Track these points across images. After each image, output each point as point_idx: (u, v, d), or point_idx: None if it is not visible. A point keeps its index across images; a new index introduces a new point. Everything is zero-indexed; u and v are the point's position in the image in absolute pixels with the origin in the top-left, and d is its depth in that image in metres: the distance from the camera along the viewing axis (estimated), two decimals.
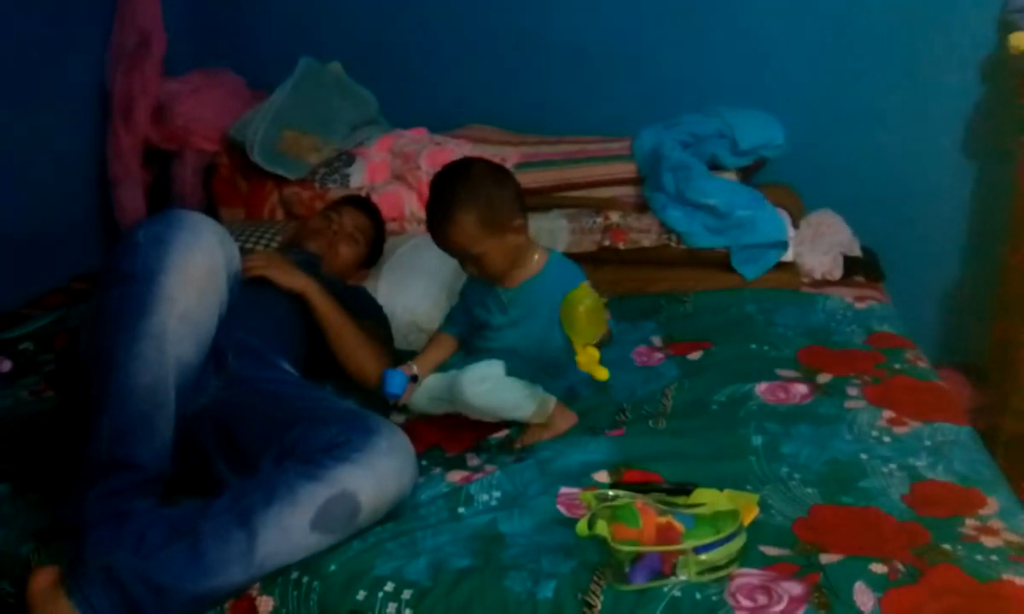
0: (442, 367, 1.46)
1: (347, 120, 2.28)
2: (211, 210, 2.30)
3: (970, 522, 1.07)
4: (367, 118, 2.35)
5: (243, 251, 1.49)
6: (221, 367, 1.26)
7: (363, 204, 1.93)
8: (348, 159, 2.23)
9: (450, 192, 1.33)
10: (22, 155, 2.09)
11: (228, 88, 2.39)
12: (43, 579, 1.03)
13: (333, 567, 1.07)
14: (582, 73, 2.30)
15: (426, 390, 1.44)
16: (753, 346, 1.62)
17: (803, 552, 1.04)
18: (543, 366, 1.41)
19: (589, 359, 1.26)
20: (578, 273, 1.43)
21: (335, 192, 2.15)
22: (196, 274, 1.14)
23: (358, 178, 2.19)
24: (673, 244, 1.95)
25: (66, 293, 2.11)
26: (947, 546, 1.03)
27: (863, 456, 1.24)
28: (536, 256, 1.43)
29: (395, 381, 1.38)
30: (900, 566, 0.99)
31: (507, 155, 2.14)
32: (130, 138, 2.26)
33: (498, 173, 1.38)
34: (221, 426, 1.21)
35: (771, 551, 1.04)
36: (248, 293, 1.35)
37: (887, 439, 1.28)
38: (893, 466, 1.21)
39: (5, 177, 2.03)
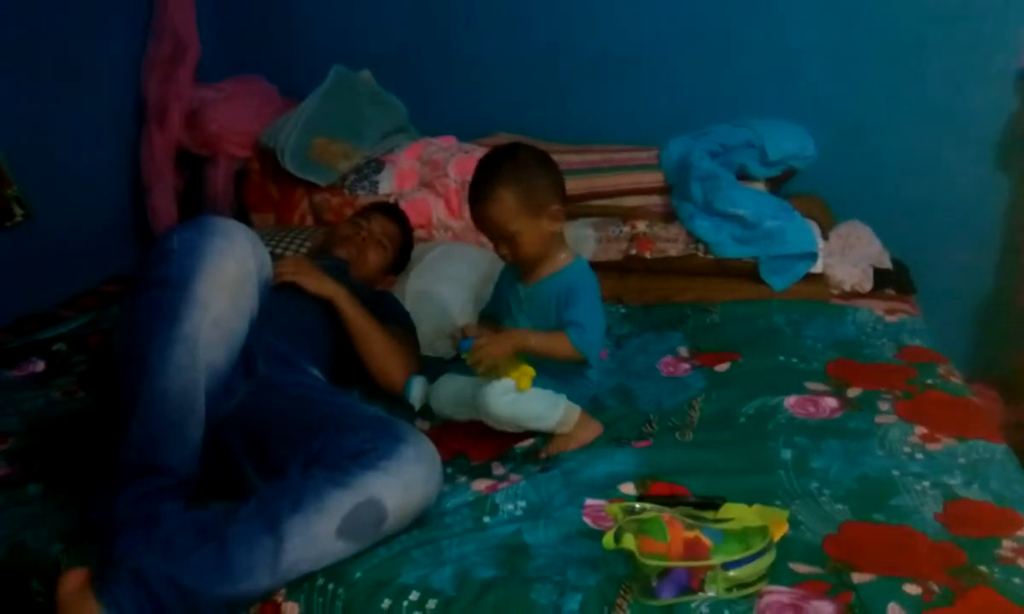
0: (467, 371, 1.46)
1: (377, 128, 2.30)
2: (242, 215, 2.33)
3: (1007, 544, 1.05)
4: (397, 126, 2.37)
5: (273, 256, 1.50)
6: (251, 372, 1.28)
7: (391, 211, 1.94)
8: (377, 166, 2.25)
9: (494, 169, 1.36)
10: (58, 158, 2.14)
11: (260, 95, 2.42)
12: (73, 581, 1.04)
13: (358, 574, 1.07)
14: (610, 83, 2.30)
15: (450, 393, 1.44)
16: (781, 358, 1.60)
17: (834, 570, 1.02)
18: (559, 370, 1.40)
19: (521, 375, 1.30)
20: (590, 284, 1.42)
21: (364, 199, 2.17)
22: (228, 280, 1.15)
23: (387, 185, 2.20)
24: (700, 254, 1.94)
25: (99, 295, 2.15)
26: (983, 568, 1.01)
27: (895, 473, 1.22)
28: (563, 256, 1.43)
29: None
30: (935, 587, 0.97)
31: None
32: (164, 143, 2.29)
33: (543, 158, 1.40)
34: (250, 431, 1.22)
35: (801, 568, 1.03)
36: (278, 298, 1.37)
37: (919, 456, 1.26)
38: (926, 484, 1.18)
39: (42, 180, 2.07)
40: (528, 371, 1.31)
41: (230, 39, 2.55)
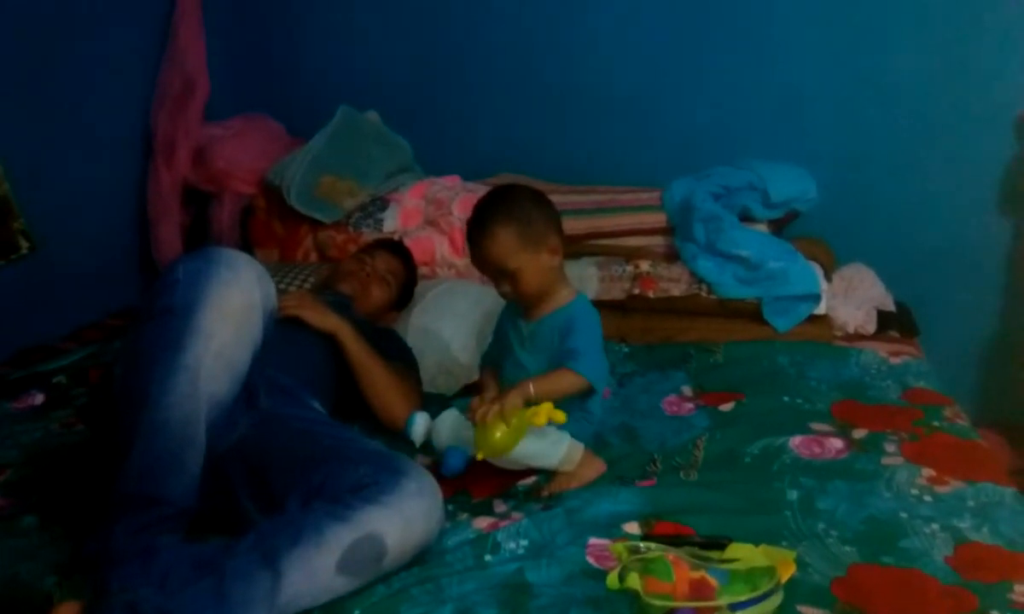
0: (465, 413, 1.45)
1: (382, 167, 2.32)
2: (246, 251, 2.27)
3: (1019, 588, 1.03)
4: (402, 165, 2.39)
5: (277, 291, 1.51)
6: (252, 404, 1.26)
7: (396, 247, 1.95)
8: (382, 204, 2.27)
9: (490, 209, 1.38)
10: (65, 192, 2.15)
11: (267, 134, 2.46)
12: None
13: (357, 612, 1.05)
14: (614, 124, 2.33)
15: (452, 430, 1.43)
16: (786, 399, 1.59)
17: (843, 613, 1.00)
18: (562, 407, 1.39)
19: (547, 412, 1.27)
20: (591, 318, 1.42)
21: (368, 236, 2.19)
22: (233, 311, 1.15)
23: (391, 223, 2.22)
24: (703, 294, 1.94)
25: (102, 328, 2.15)
26: (996, 613, 0.98)
27: (903, 515, 1.20)
28: (565, 293, 1.44)
29: (455, 459, 1.36)
30: None
31: None
32: (171, 179, 2.32)
33: (537, 195, 1.42)
34: (250, 463, 1.20)
35: (809, 611, 1.01)
36: (281, 332, 1.36)
37: (928, 498, 1.24)
38: (935, 526, 1.17)
39: (48, 213, 2.09)
40: (540, 410, 1.28)
41: (239, 78, 2.60)
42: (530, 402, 1.29)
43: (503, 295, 1.43)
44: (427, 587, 1.09)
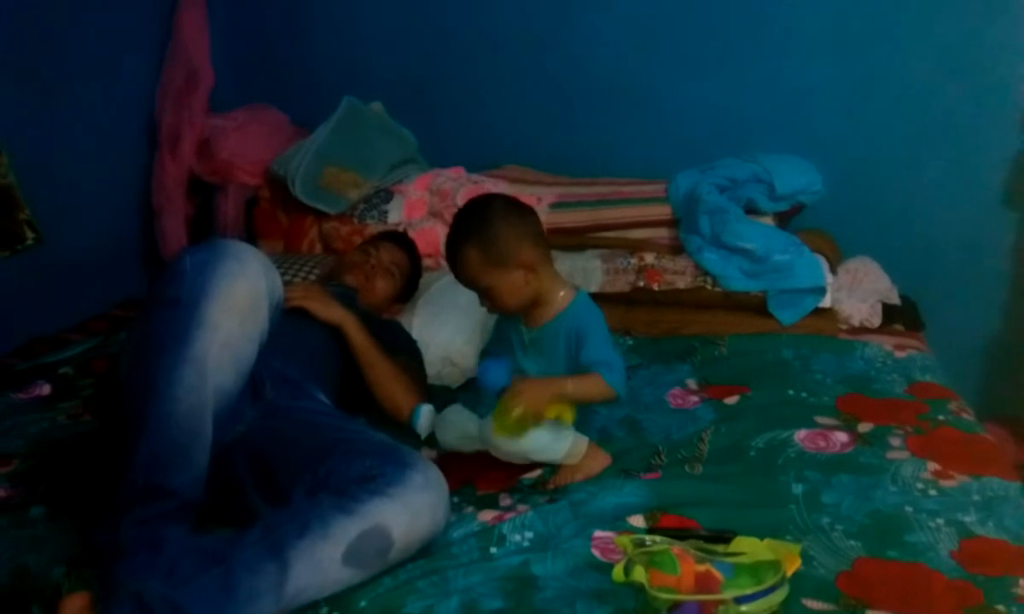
0: (470, 407, 1.45)
1: (387, 158, 2.32)
2: (251, 242, 2.31)
3: None
4: (406, 157, 2.39)
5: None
6: (258, 396, 1.27)
7: (400, 239, 1.95)
8: (387, 196, 2.27)
9: (458, 227, 1.35)
10: (70, 183, 2.16)
11: (272, 125, 2.45)
12: (74, 605, 1.03)
13: (363, 604, 1.06)
14: (619, 116, 2.32)
15: (456, 426, 1.43)
16: (791, 392, 1.59)
17: (848, 607, 1.00)
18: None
19: (561, 411, 1.31)
20: (598, 320, 1.40)
21: (373, 228, 2.19)
22: (239, 302, 1.15)
23: (396, 214, 2.22)
24: (708, 287, 1.94)
25: (107, 319, 2.15)
26: (1001, 607, 0.99)
27: (908, 509, 1.20)
28: (562, 294, 1.40)
29: (496, 373, 1.32)
30: None
31: (543, 195, 2.16)
32: (176, 170, 2.32)
33: (511, 208, 1.37)
34: (256, 455, 1.21)
35: (814, 605, 1.01)
36: (286, 323, 1.36)
37: (933, 492, 1.24)
38: (940, 521, 1.17)
39: (53, 204, 2.09)
40: (565, 406, 1.31)
41: (243, 68, 2.59)
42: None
43: (486, 308, 1.41)
44: (433, 579, 1.09)
